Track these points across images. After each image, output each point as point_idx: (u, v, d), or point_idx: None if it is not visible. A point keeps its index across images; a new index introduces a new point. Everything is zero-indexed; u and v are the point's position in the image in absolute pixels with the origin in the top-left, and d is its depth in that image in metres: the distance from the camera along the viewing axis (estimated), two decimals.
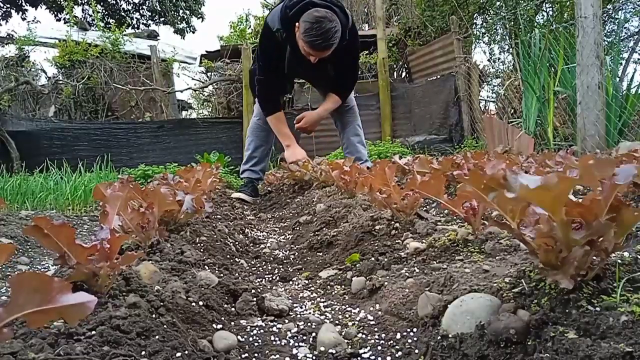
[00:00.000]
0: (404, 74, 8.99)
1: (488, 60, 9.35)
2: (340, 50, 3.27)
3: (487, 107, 7.96)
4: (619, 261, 0.78)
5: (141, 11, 17.09)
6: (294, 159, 3.66)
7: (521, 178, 0.66)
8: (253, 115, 4.08)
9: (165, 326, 0.87)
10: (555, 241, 0.73)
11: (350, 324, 1.07)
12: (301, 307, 1.23)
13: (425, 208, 1.96)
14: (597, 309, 0.67)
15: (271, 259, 1.88)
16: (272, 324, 1.09)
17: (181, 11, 16.94)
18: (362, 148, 3.99)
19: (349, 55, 3.56)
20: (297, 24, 3.18)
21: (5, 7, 15.33)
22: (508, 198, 0.68)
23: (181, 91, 9.88)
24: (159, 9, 16.65)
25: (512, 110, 6.22)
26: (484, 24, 9.10)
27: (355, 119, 4.02)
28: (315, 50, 3.17)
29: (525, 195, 0.66)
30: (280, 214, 3.19)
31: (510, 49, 7.90)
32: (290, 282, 1.52)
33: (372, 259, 1.41)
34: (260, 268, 1.74)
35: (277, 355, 0.93)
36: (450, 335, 0.80)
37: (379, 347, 0.93)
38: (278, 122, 3.66)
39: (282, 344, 0.98)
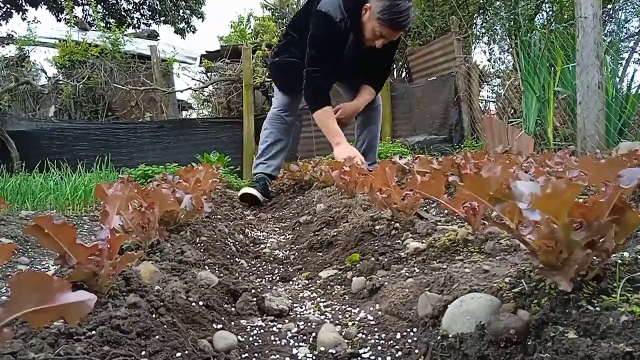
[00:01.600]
0: (404, 74, 8.99)
1: (488, 60, 9.36)
2: None
3: (487, 107, 7.95)
4: (619, 261, 0.78)
5: (141, 11, 17.08)
6: (345, 157, 3.09)
7: (524, 187, 0.65)
8: (272, 106, 3.87)
9: (165, 326, 0.87)
10: (556, 242, 0.73)
11: (350, 324, 1.07)
12: (301, 307, 1.23)
13: (425, 208, 1.96)
14: (597, 309, 0.67)
15: (271, 259, 1.88)
16: (272, 324, 1.10)
17: (182, 10, 16.93)
18: (376, 151, 3.95)
19: (395, 42, 3.50)
20: (365, 6, 3.15)
21: (5, 7, 15.32)
22: (517, 207, 0.67)
23: (181, 91, 9.87)
24: (160, 8, 16.63)
25: (512, 110, 6.21)
26: (484, 24, 9.10)
27: (380, 119, 3.93)
28: (393, 28, 3.13)
29: (534, 203, 0.66)
30: (280, 214, 3.19)
31: (510, 49, 7.90)
32: (290, 282, 1.52)
33: (372, 259, 1.41)
34: (260, 268, 1.74)
35: (277, 355, 0.93)
36: (450, 335, 0.80)
37: (379, 347, 0.93)
38: (327, 117, 3.38)
39: (282, 343, 0.99)
